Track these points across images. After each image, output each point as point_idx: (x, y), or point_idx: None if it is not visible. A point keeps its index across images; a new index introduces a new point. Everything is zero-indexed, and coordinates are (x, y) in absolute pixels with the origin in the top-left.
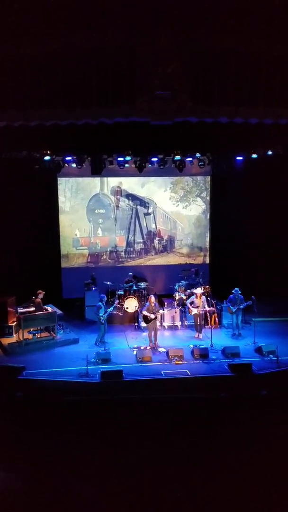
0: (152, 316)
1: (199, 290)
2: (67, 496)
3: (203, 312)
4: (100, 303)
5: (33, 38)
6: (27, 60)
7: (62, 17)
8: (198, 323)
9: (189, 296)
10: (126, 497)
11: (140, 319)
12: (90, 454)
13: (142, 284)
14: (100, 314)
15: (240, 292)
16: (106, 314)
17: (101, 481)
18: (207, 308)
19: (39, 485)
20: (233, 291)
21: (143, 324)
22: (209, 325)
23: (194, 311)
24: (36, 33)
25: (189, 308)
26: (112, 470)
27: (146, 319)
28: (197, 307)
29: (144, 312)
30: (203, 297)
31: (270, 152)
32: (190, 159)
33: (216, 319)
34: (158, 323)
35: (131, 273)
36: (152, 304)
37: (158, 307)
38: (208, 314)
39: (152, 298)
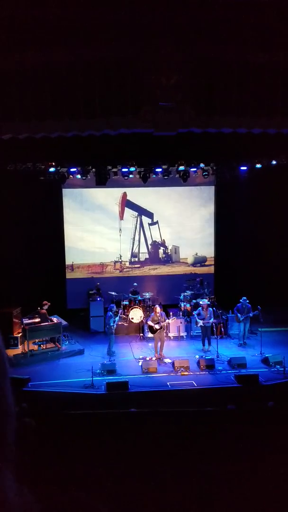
0: (157, 326)
1: (205, 302)
2: (72, 509)
3: (209, 324)
4: (110, 312)
5: (37, 50)
6: (31, 72)
7: (66, 30)
8: (206, 335)
9: (194, 306)
10: (129, 509)
11: (146, 330)
12: (95, 465)
13: (147, 294)
14: (111, 324)
15: (248, 301)
16: (115, 324)
17: (107, 493)
18: (213, 320)
19: (43, 498)
20: (240, 300)
21: (149, 335)
22: (215, 335)
23: (201, 323)
24: (40, 46)
25: (196, 320)
26: (117, 482)
27: (152, 329)
28: (204, 319)
29: (149, 323)
30: (210, 309)
31: (274, 162)
32: (194, 169)
33: (222, 329)
34: (164, 333)
35: (136, 284)
36: (158, 314)
37: (164, 316)
38: (213, 324)
39: (158, 308)
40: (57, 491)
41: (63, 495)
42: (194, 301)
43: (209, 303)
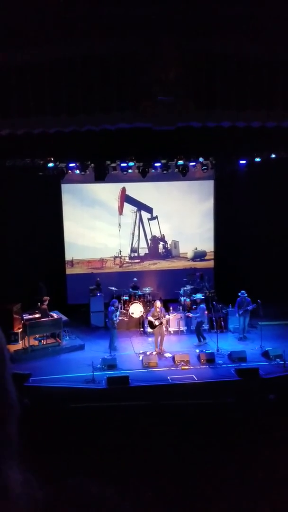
0: (157, 322)
1: (198, 296)
2: (72, 502)
3: (197, 319)
4: (112, 307)
5: (36, 46)
6: (30, 68)
7: (65, 26)
8: (196, 330)
9: (193, 301)
10: (131, 502)
11: (145, 325)
12: (96, 460)
13: (147, 289)
14: (114, 319)
15: (246, 294)
16: (117, 318)
17: (107, 487)
18: (198, 315)
19: (46, 491)
20: (239, 293)
21: (149, 330)
22: (215, 329)
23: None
24: (39, 42)
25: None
26: (118, 476)
27: (152, 325)
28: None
29: (149, 318)
30: (201, 305)
31: (273, 155)
32: (193, 163)
33: (222, 323)
34: (164, 328)
35: (135, 279)
36: (158, 309)
37: (164, 312)
38: (213, 318)
39: (158, 303)
40: (62, 478)
41: (68, 482)
42: (194, 295)
43: (202, 298)
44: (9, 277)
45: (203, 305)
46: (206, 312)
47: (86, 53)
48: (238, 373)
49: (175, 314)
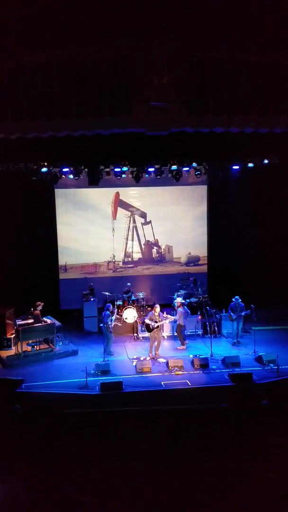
0: (154, 324)
1: (179, 300)
2: (67, 508)
3: (177, 322)
4: (107, 311)
5: (30, 50)
6: (24, 72)
7: (58, 30)
8: (177, 334)
9: (187, 306)
10: (126, 509)
11: (142, 329)
12: (90, 466)
13: (140, 294)
14: (109, 323)
15: (240, 300)
16: (112, 322)
17: (101, 493)
18: (176, 317)
19: (39, 497)
20: (233, 299)
21: (146, 334)
22: (209, 334)
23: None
24: (33, 46)
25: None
26: (112, 482)
27: (148, 328)
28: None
29: (147, 320)
30: (179, 309)
31: (266, 161)
32: (187, 168)
33: (216, 329)
34: (160, 333)
35: (129, 284)
36: (156, 314)
37: (162, 317)
38: (206, 323)
39: (157, 308)
40: (47, 484)
41: (53, 487)
42: (187, 300)
43: (183, 301)
44: (2, 282)
45: (181, 309)
46: (199, 317)
47: (79, 58)
48: (231, 378)
49: (170, 317)
